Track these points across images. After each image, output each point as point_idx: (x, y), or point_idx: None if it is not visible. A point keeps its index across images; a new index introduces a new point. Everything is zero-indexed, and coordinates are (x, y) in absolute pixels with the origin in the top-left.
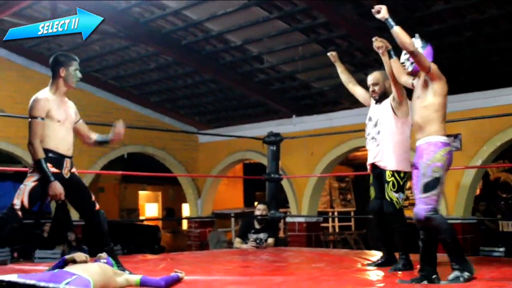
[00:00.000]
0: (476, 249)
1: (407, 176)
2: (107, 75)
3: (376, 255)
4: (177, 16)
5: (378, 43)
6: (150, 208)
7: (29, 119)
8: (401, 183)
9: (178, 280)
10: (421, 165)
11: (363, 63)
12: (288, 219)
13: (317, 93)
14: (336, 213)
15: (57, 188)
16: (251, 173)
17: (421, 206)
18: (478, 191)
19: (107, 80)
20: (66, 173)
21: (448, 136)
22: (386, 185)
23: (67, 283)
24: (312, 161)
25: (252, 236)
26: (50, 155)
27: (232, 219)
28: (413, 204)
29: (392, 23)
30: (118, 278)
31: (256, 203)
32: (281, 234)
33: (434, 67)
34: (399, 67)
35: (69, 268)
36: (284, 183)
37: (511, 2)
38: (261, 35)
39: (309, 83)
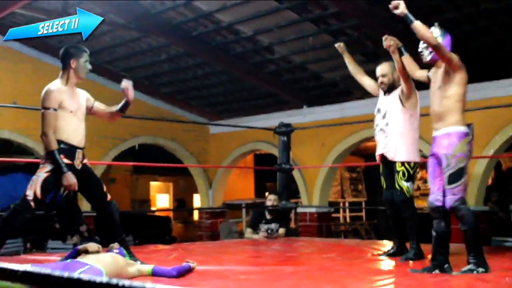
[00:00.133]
0: (488, 239)
1: (417, 165)
2: (118, 66)
3: (387, 245)
4: (188, 7)
5: (388, 41)
6: (161, 199)
7: (42, 110)
8: (411, 172)
9: (189, 270)
10: (444, 156)
11: (374, 53)
12: (299, 210)
13: (328, 83)
14: (347, 204)
15: (71, 178)
16: (262, 164)
17: (449, 197)
18: (490, 182)
19: (117, 72)
20: (78, 164)
21: None
22: (396, 174)
23: (80, 273)
24: (323, 151)
25: (263, 227)
26: (62, 146)
27: (243, 210)
28: (424, 195)
29: (412, 18)
30: (130, 268)
31: (267, 193)
32: (292, 225)
33: (455, 57)
34: (412, 63)
35: (82, 258)
36: (295, 173)
37: None
38: (271, 25)
39: (320, 73)
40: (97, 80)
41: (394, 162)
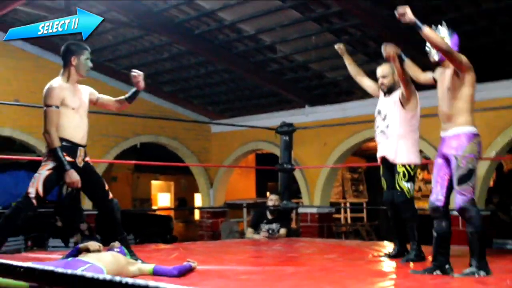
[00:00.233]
0: (489, 241)
1: (418, 167)
2: (120, 64)
3: (388, 246)
4: (190, 6)
5: (388, 49)
6: (162, 198)
7: (44, 108)
8: (412, 173)
9: (190, 269)
10: (453, 157)
11: (377, 52)
12: (300, 210)
13: (330, 83)
14: (348, 204)
15: (74, 176)
16: (263, 164)
17: (458, 197)
18: (491, 183)
19: (120, 70)
20: (80, 162)
21: None
22: (396, 175)
23: (81, 271)
24: (325, 151)
25: (264, 227)
26: (64, 143)
27: (244, 210)
28: (426, 196)
29: (420, 24)
30: (131, 267)
31: (268, 193)
32: (293, 225)
33: (464, 58)
34: (415, 68)
35: (83, 257)
36: (297, 173)
37: None
38: (274, 24)
39: (322, 72)
40: (99, 77)
41: (395, 164)
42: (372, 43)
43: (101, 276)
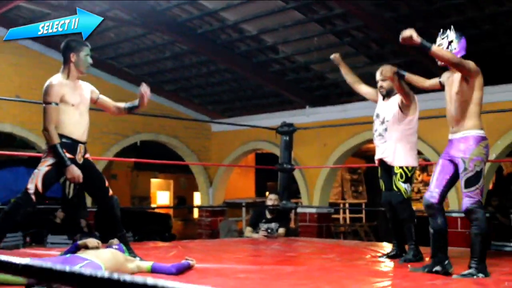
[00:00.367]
0: (488, 244)
1: (415, 169)
2: (122, 62)
3: (386, 246)
4: (193, 5)
5: (385, 73)
6: (161, 196)
7: (44, 105)
8: (409, 175)
9: (189, 267)
10: (460, 160)
11: (379, 54)
12: (299, 210)
13: (331, 84)
14: (347, 205)
15: (75, 171)
16: (263, 163)
17: (465, 199)
18: (491, 186)
19: (121, 68)
20: (79, 158)
21: None
22: (394, 176)
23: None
24: (324, 152)
25: (263, 226)
26: (64, 140)
27: (243, 209)
28: None
29: (427, 44)
30: (129, 264)
31: (267, 193)
32: (292, 225)
33: (473, 65)
34: (417, 78)
35: (81, 254)
36: (296, 173)
37: None
38: (276, 25)
39: (324, 74)
40: (101, 75)
41: (393, 166)
42: (375, 45)
43: (99, 273)
